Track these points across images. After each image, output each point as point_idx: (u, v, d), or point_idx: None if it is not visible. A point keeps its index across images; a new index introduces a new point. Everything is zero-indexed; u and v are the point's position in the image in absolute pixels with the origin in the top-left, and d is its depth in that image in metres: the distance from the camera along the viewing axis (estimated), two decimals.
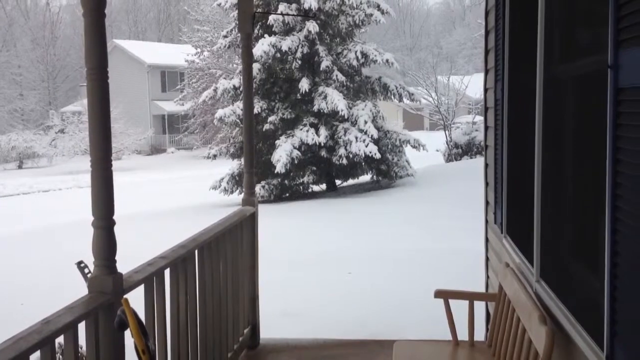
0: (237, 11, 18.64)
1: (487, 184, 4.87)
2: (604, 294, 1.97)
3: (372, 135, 17.52)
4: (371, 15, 19.04)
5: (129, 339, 2.58)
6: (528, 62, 3.13)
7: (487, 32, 4.71)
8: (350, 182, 20.34)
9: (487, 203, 4.88)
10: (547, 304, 2.73)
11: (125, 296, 2.56)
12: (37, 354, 2.12)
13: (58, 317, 2.24)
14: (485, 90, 4.81)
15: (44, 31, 61.52)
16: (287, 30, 18.35)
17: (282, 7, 17.94)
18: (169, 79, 48.01)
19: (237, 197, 18.16)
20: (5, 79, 53.36)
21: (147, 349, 2.34)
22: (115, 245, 2.54)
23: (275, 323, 5.70)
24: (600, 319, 2.02)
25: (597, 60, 2.15)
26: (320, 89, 18.00)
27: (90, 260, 2.61)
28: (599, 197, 2.03)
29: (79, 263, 2.57)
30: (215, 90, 19.98)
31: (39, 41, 60.42)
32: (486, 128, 4.88)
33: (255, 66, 17.75)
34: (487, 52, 4.72)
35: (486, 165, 4.90)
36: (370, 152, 17.19)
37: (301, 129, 17.79)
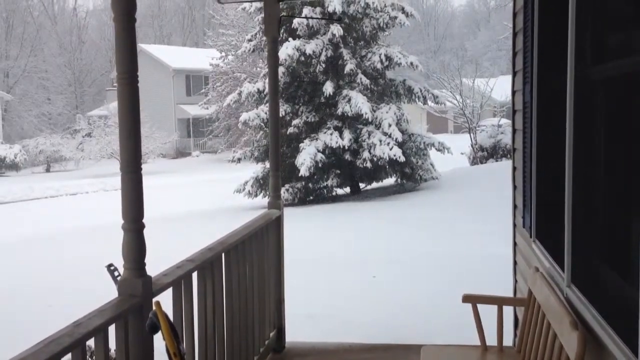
0: (262, 15, 18.72)
1: (515, 187, 4.82)
2: (638, 299, 1.94)
3: (396, 139, 17.47)
4: (395, 18, 18.99)
5: (157, 343, 2.60)
6: (558, 63, 3.10)
7: (515, 34, 4.67)
8: (375, 185, 20.28)
9: (515, 207, 4.83)
10: (579, 309, 2.69)
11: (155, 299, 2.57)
12: (68, 356, 2.14)
13: (89, 320, 2.26)
14: (513, 92, 4.76)
15: (71, 36, 62.45)
16: (311, 34, 18.38)
17: (306, 11, 17.97)
18: (194, 82, 48.41)
19: (261, 200, 18.21)
20: (34, 84, 54.20)
21: (179, 352, 2.35)
22: (144, 248, 2.56)
23: (300, 326, 5.70)
24: (634, 324, 1.98)
25: (630, 62, 2.12)
26: (344, 92, 17.99)
27: (118, 263, 2.63)
28: (633, 200, 1.99)
29: (109, 266, 2.59)
30: (239, 94, 20.07)
31: (66, 46, 61.33)
32: (514, 131, 4.83)
33: (280, 70, 17.75)
34: (514, 53, 4.67)
35: (514, 168, 4.85)
36: (395, 155, 17.12)
37: (325, 132, 17.80)
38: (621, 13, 2.44)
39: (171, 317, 2.78)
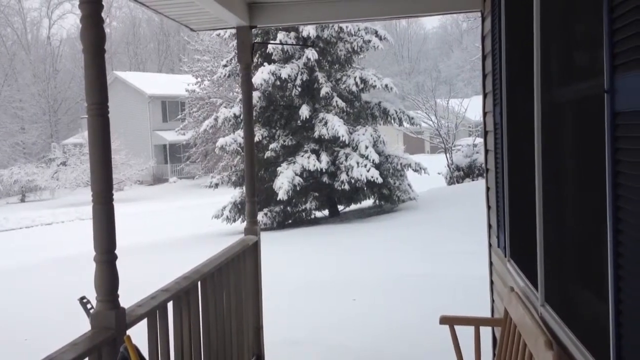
0: (236, 41, 18.78)
1: (489, 207, 4.87)
2: (609, 319, 1.96)
3: (373, 160, 17.56)
4: (369, 41, 19.21)
5: None
6: (526, 86, 3.15)
7: (484, 57, 4.74)
8: (353, 207, 20.32)
9: (489, 226, 4.87)
10: (553, 329, 2.71)
11: (128, 332, 2.55)
12: None
13: (62, 354, 2.23)
14: (484, 113, 4.83)
15: (44, 65, 62.00)
16: (287, 58, 18.50)
17: (280, 36, 18.09)
18: (170, 108, 48.32)
19: (240, 225, 18.14)
20: (7, 114, 53.64)
21: None
22: (117, 280, 2.54)
23: (281, 352, 5.66)
24: (606, 344, 2.00)
25: (594, 84, 2.16)
26: (321, 115, 18.09)
27: (92, 294, 2.60)
28: (601, 220, 2.02)
29: (82, 299, 2.56)
30: (216, 119, 20.10)
31: (40, 75, 60.87)
32: (486, 151, 4.89)
33: (255, 94, 17.86)
34: (484, 76, 4.75)
35: (487, 188, 4.90)
36: (372, 177, 17.20)
37: (302, 156, 17.84)
38: (584, 36, 2.50)
39: (146, 349, 2.75)
